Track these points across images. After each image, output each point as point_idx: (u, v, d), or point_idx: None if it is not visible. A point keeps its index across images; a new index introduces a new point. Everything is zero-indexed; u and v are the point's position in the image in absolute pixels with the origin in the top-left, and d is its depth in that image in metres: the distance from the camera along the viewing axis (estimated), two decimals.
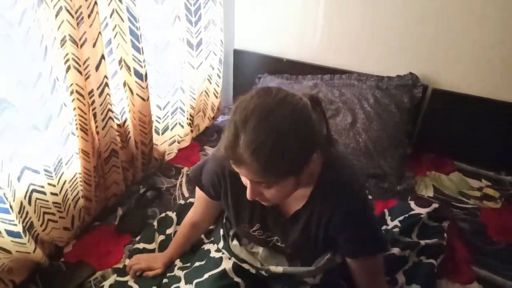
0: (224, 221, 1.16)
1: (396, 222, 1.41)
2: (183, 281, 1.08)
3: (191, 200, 1.47)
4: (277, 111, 0.74)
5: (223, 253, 1.10)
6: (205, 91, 1.84)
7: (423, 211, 1.47)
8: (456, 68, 1.76)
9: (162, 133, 1.66)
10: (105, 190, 1.43)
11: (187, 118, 1.75)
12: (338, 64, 1.94)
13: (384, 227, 1.40)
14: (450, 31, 1.70)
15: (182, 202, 1.46)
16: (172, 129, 1.68)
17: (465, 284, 1.25)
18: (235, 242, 1.10)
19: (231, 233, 1.13)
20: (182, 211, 1.39)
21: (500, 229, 1.47)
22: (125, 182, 1.53)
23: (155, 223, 1.39)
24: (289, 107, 0.76)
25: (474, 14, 1.63)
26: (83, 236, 1.36)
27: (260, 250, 1.06)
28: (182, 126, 1.73)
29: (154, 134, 1.61)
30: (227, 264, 1.06)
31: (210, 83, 1.85)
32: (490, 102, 1.73)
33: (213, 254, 1.12)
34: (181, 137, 1.76)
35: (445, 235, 1.37)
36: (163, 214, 1.42)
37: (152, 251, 1.29)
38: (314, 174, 0.90)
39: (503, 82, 1.70)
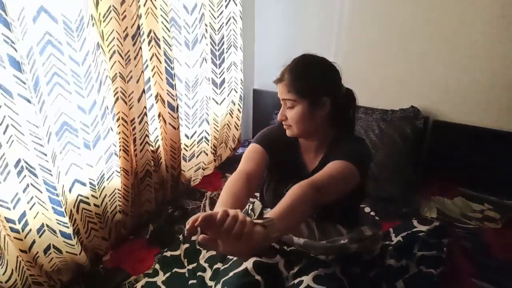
0: (249, 212, 1.35)
1: (399, 238, 1.55)
2: (208, 271, 1.26)
3: None
4: (315, 57, 1.18)
5: None
6: (227, 124, 2.08)
7: (424, 228, 1.61)
8: (456, 100, 1.93)
9: (189, 160, 1.88)
10: (139, 206, 1.63)
11: (211, 147, 1.97)
12: None
13: (387, 242, 1.53)
14: (448, 67, 1.90)
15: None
16: (197, 156, 1.91)
17: None
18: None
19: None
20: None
21: (502, 248, 1.57)
22: (156, 202, 1.73)
23: (181, 237, 1.57)
24: (323, 58, 1.19)
25: (471, 50, 1.83)
26: (119, 247, 1.56)
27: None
28: (207, 154, 1.95)
29: (182, 161, 1.83)
30: (248, 264, 1.21)
31: (232, 117, 2.08)
32: (490, 132, 1.88)
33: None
34: (205, 164, 1.98)
35: (445, 249, 1.49)
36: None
37: (178, 256, 1.46)
38: (327, 136, 1.25)
39: (502, 112, 1.86)
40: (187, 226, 0.81)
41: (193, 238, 1.35)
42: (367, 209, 1.81)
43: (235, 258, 1.28)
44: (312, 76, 1.15)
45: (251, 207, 1.43)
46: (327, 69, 1.18)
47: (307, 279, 1.13)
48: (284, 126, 1.22)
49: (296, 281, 1.17)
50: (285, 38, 2.26)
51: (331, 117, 1.21)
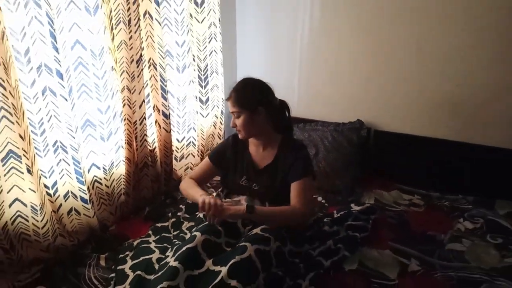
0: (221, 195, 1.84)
1: (338, 215, 2.01)
2: (188, 235, 1.72)
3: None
4: (252, 79, 1.67)
5: None
6: (212, 134, 2.59)
7: (358, 208, 2.06)
8: (392, 114, 2.44)
9: (179, 160, 2.38)
10: (139, 191, 2.11)
11: (198, 151, 2.47)
12: (309, 116, 2.67)
13: (329, 219, 1.98)
14: (385, 88, 2.42)
15: (190, 201, 2.13)
16: (186, 157, 2.41)
17: (380, 249, 1.78)
18: (227, 199, 1.75)
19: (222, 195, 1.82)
20: (189, 205, 2.06)
21: (419, 224, 2.00)
22: (153, 191, 2.21)
23: (170, 214, 2.04)
24: (259, 80, 1.67)
25: (402, 74, 2.35)
26: (122, 222, 2.02)
27: (243, 198, 1.72)
28: (194, 156, 2.45)
29: (174, 161, 2.33)
30: None
31: (215, 128, 2.60)
32: (420, 138, 2.37)
33: (204, 217, 1.77)
34: (193, 165, 2.47)
35: (371, 221, 1.94)
36: (175, 210, 2.08)
37: (166, 226, 1.90)
38: (276, 140, 1.74)
39: (428, 122, 2.35)
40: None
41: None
42: (320, 198, 2.27)
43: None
44: (249, 93, 1.64)
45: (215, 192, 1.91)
46: (260, 87, 1.66)
47: (256, 230, 1.60)
48: (236, 131, 1.71)
49: (249, 232, 1.63)
50: (261, 66, 2.80)
51: (270, 122, 1.71)
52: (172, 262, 1.43)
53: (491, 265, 1.67)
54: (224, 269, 1.35)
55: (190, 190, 1.79)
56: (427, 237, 1.89)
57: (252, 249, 1.45)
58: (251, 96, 1.64)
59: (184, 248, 1.48)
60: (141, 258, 1.61)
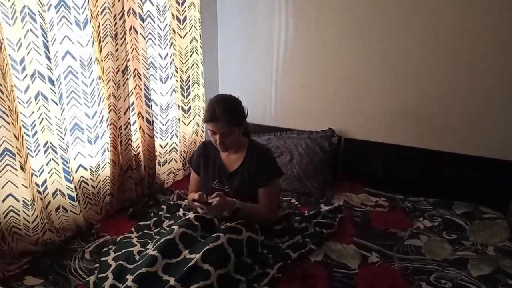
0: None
1: (308, 214, 2.18)
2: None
3: (177, 202, 2.29)
4: (230, 96, 1.81)
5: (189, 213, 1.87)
6: (194, 141, 2.75)
7: (327, 208, 2.23)
8: (359, 124, 2.64)
9: (163, 165, 2.53)
10: (123, 193, 2.25)
11: (180, 156, 2.63)
12: (285, 125, 2.86)
13: (299, 217, 2.14)
14: (353, 100, 2.62)
15: (171, 202, 2.28)
16: (169, 162, 2.56)
17: (344, 244, 1.95)
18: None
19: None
20: (170, 206, 2.21)
21: (380, 222, 2.18)
22: (136, 193, 2.35)
23: (152, 214, 2.18)
24: (236, 98, 1.83)
25: (368, 89, 2.55)
26: (107, 220, 2.16)
27: (215, 200, 1.85)
28: (176, 162, 2.60)
29: (157, 165, 2.48)
30: (191, 215, 1.82)
31: (197, 136, 2.76)
32: (385, 145, 2.56)
33: (183, 215, 1.91)
34: (175, 170, 2.62)
35: (337, 219, 2.11)
36: (157, 211, 2.22)
37: (148, 224, 2.05)
38: (244, 144, 1.89)
39: (393, 131, 2.55)
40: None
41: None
42: (293, 200, 2.43)
43: (183, 216, 1.91)
44: (238, 112, 1.80)
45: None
46: (239, 103, 1.83)
47: (230, 223, 1.75)
48: (222, 147, 1.80)
49: (223, 225, 1.79)
50: (241, 79, 2.99)
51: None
52: (151, 251, 1.59)
53: (444, 257, 1.85)
54: (198, 255, 1.51)
55: (190, 196, 2.05)
56: (389, 234, 2.06)
57: (225, 238, 1.61)
58: (240, 114, 1.82)
59: (163, 240, 1.63)
60: (123, 251, 1.75)
